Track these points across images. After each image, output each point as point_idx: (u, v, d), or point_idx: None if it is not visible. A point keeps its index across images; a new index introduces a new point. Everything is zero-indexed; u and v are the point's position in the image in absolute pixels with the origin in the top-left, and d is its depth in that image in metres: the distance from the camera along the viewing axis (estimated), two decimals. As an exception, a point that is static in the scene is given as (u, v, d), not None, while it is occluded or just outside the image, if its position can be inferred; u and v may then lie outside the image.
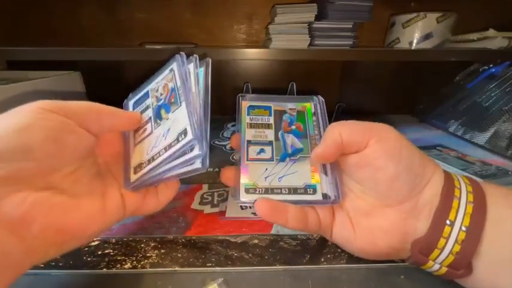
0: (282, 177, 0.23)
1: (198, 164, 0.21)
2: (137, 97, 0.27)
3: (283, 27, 0.50)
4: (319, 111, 0.26)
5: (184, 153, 0.21)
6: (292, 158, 0.24)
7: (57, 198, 0.18)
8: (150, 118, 0.25)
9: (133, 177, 0.23)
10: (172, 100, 0.24)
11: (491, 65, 0.53)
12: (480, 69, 0.55)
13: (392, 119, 0.64)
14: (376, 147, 0.20)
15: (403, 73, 0.68)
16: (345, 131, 0.21)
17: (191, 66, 0.24)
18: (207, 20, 0.61)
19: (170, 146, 0.22)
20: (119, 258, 0.25)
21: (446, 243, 0.18)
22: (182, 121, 0.22)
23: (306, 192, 0.22)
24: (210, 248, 0.26)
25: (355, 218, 0.22)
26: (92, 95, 0.53)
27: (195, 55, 0.25)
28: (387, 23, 0.59)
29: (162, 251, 0.25)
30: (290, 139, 0.25)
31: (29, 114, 0.17)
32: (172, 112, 0.23)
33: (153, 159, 0.22)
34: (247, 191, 0.22)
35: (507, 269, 0.18)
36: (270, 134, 0.25)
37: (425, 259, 0.20)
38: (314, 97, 0.27)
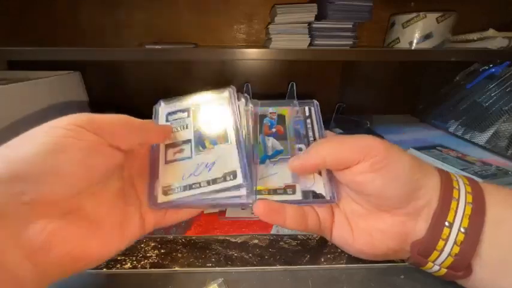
0: (262, 178, 0.23)
1: (244, 199, 0.21)
2: (172, 109, 0.25)
3: (283, 27, 0.50)
4: (313, 114, 0.26)
5: (229, 190, 0.21)
6: (272, 160, 0.24)
7: (78, 225, 0.17)
8: (189, 141, 0.23)
9: (161, 198, 0.22)
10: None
11: (491, 65, 0.53)
12: (480, 69, 0.55)
13: (392, 119, 0.64)
14: (363, 164, 0.19)
15: (403, 73, 0.68)
16: (330, 155, 0.20)
17: (241, 103, 0.24)
18: (207, 20, 0.61)
19: (215, 181, 0.21)
20: (119, 258, 0.25)
21: (445, 245, 0.18)
22: (230, 160, 0.22)
23: (285, 193, 0.22)
24: (210, 248, 0.26)
25: (352, 219, 0.22)
26: (92, 95, 0.53)
27: (245, 94, 0.25)
28: (387, 23, 0.59)
29: (162, 251, 0.25)
30: (271, 142, 0.25)
31: (61, 132, 0.16)
32: (218, 145, 0.23)
33: (190, 187, 0.21)
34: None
35: (507, 270, 0.18)
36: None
37: (425, 261, 0.20)
38: (294, 101, 0.27)
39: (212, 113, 0.24)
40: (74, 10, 0.58)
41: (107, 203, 0.19)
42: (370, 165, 0.19)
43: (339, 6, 0.49)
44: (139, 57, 0.52)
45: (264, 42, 0.58)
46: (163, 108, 0.26)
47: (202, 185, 0.21)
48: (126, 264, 0.24)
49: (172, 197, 0.21)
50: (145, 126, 0.21)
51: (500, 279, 0.18)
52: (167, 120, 0.25)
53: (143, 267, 0.24)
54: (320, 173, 0.23)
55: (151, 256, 0.25)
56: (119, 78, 0.63)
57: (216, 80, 0.66)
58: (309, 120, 0.26)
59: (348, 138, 0.21)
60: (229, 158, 0.22)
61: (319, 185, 0.22)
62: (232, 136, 0.23)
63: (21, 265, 0.14)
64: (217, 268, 0.24)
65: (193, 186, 0.21)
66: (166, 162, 0.23)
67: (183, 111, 0.25)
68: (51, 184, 0.15)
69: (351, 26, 0.51)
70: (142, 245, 0.26)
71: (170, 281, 0.22)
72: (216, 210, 0.22)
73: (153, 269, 0.24)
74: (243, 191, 0.21)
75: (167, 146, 0.23)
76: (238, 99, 0.25)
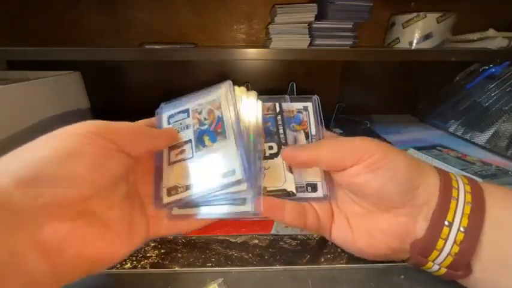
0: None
1: (248, 207, 0.21)
2: (173, 111, 0.25)
3: (283, 27, 0.50)
4: (312, 111, 0.26)
5: (229, 186, 0.21)
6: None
7: (91, 227, 0.17)
8: (190, 140, 0.23)
9: (166, 198, 0.22)
10: (219, 130, 0.23)
11: (491, 65, 0.53)
12: (480, 69, 0.55)
13: (392, 119, 0.64)
14: (358, 166, 0.20)
15: (403, 73, 0.68)
16: (325, 156, 0.21)
17: (240, 96, 0.24)
18: (207, 20, 0.61)
19: (215, 178, 0.21)
20: (119, 258, 0.25)
21: (444, 244, 0.18)
22: (230, 157, 0.21)
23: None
24: (210, 248, 0.26)
25: (352, 219, 0.22)
26: (92, 95, 0.53)
27: (247, 84, 0.24)
28: (387, 23, 0.59)
29: (162, 251, 0.25)
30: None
31: (77, 138, 0.17)
32: (218, 142, 0.22)
33: (192, 186, 0.21)
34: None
35: (507, 270, 0.18)
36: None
37: (425, 260, 0.20)
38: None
39: (210, 110, 0.24)
40: (74, 10, 0.58)
41: (117, 206, 0.19)
42: (366, 166, 0.19)
43: (339, 6, 0.49)
44: (140, 57, 0.52)
45: (264, 42, 0.58)
46: (164, 112, 0.26)
47: (203, 184, 0.21)
48: (126, 264, 0.24)
49: (176, 197, 0.22)
50: (154, 134, 0.22)
51: (499, 278, 0.18)
52: (169, 123, 0.25)
53: (143, 267, 0.24)
54: (291, 171, 0.23)
55: (151, 256, 0.25)
56: (119, 78, 0.63)
57: (216, 80, 0.66)
58: (279, 117, 0.26)
59: (344, 140, 0.21)
60: (229, 155, 0.22)
61: (291, 183, 0.22)
62: (230, 132, 0.22)
63: (39, 267, 0.15)
64: (217, 268, 0.24)
65: (195, 185, 0.21)
66: (170, 163, 0.23)
67: (183, 112, 0.25)
68: (66, 187, 0.16)
69: (351, 26, 0.51)
70: (142, 245, 0.26)
71: (170, 281, 0.22)
72: (224, 218, 0.22)
73: (153, 269, 0.24)
74: (243, 186, 0.20)
75: (170, 148, 0.24)
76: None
